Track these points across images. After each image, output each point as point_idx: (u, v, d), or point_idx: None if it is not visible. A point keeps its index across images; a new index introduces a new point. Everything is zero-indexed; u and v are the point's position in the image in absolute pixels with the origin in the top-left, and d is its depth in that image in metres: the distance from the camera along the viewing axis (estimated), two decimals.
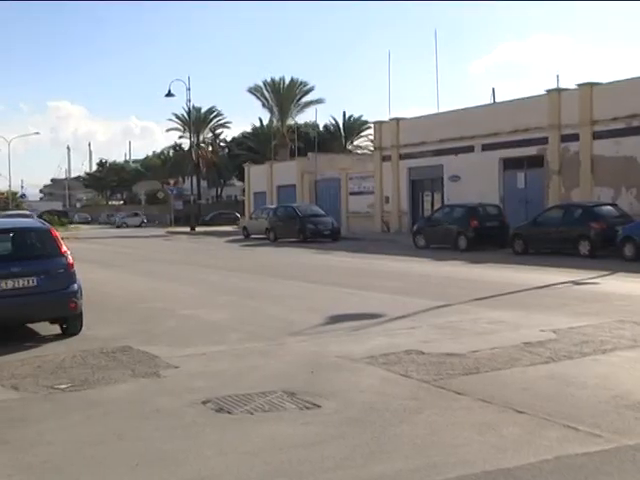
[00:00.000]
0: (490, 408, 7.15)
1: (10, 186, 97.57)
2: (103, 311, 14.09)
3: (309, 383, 8.33)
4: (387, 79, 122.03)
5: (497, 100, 42.07)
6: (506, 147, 35.16)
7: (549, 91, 33.98)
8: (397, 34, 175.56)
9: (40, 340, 11.65)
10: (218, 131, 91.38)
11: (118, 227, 76.88)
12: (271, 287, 18.06)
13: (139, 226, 76.44)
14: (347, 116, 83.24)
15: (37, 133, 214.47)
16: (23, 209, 67.03)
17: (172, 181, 74.55)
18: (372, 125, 50.43)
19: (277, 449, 6.16)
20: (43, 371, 9.33)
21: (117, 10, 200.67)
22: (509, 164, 35.53)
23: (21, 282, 11.24)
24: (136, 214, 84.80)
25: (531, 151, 34.21)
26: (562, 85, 35.93)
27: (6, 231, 12.60)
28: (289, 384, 8.25)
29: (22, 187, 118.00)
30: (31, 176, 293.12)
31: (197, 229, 56.78)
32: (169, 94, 54.88)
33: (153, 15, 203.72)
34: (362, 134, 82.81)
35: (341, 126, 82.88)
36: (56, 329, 11.97)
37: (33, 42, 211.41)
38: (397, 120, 43.29)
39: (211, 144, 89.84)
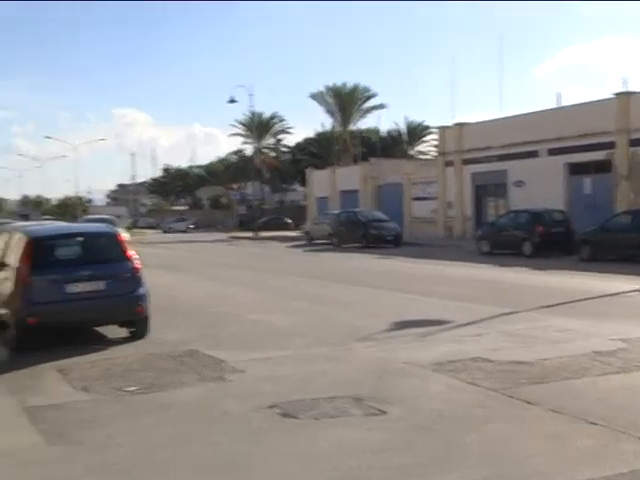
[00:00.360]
0: (561, 418, 7.00)
1: (77, 192, 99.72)
2: (170, 315, 14.23)
3: (376, 389, 8.28)
4: (450, 83, 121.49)
5: (563, 104, 41.42)
6: (572, 152, 34.62)
7: (618, 94, 33.34)
8: (461, 38, 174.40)
9: (108, 343, 11.83)
10: (280, 136, 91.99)
11: (165, 232, 77.65)
12: (336, 292, 18.04)
13: (184, 231, 77.07)
14: (409, 121, 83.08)
15: (103, 140, 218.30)
16: (89, 214, 68.20)
17: (235, 186, 75.05)
18: (435, 130, 50.10)
19: (345, 455, 6.13)
20: (112, 373, 9.47)
21: (179, 18, 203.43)
22: (575, 169, 34.98)
23: (90, 286, 11.44)
24: (182, 219, 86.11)
25: (598, 156, 33.61)
26: (630, 88, 35.28)
27: (75, 235, 12.85)
28: (356, 390, 8.21)
29: (89, 192, 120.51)
30: (98, 182, 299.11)
31: (260, 234, 56.93)
32: (232, 101, 55.28)
33: (215, 22, 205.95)
34: (424, 139, 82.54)
35: (403, 131, 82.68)
36: (124, 332, 12.14)
37: (99, 51, 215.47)
38: (461, 125, 43.04)
39: (274, 149, 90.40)
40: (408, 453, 6.15)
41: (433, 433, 6.67)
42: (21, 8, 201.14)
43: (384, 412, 7.35)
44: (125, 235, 31.42)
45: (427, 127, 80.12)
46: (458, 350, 10.27)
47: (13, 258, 11.91)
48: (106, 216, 40.75)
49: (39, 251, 11.66)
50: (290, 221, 71.21)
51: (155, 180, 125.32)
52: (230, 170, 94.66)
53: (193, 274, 24.83)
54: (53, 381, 9.28)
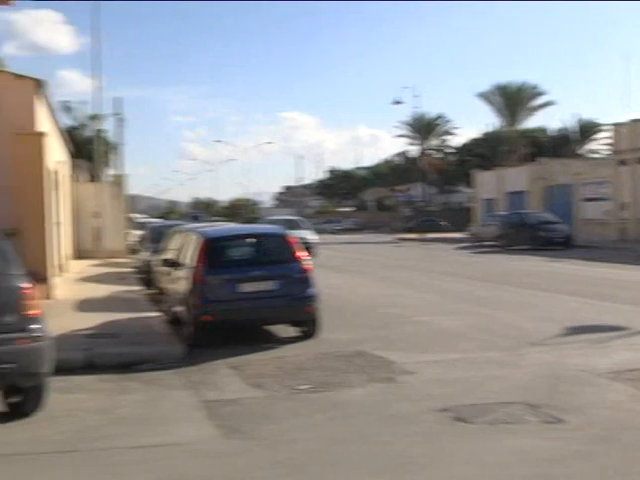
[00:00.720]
0: None
1: (245, 194, 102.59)
2: (341, 315, 14.34)
3: (551, 396, 8.02)
4: (624, 79, 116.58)
5: None
6: None
7: None
8: (634, 32, 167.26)
9: (279, 342, 12.06)
10: (445, 137, 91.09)
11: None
12: (505, 295, 17.64)
13: (333, 233, 78.07)
14: (579, 119, 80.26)
15: (270, 142, 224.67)
16: (257, 216, 70.01)
17: (403, 188, 74.94)
18: (606, 128, 48.15)
19: (525, 462, 5.96)
20: (284, 372, 9.65)
21: (345, 20, 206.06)
22: None
23: (262, 286, 11.69)
24: (330, 221, 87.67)
25: None
26: None
27: (247, 236, 13.19)
28: (529, 396, 7.99)
29: (255, 194, 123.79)
30: (265, 184, 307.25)
31: (426, 235, 56.37)
32: (396, 102, 55.35)
33: (381, 23, 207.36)
34: (595, 137, 79.45)
35: (574, 129, 79.97)
36: (293, 331, 12.35)
37: (269, 58, 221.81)
38: (636, 121, 41.09)
39: (439, 150, 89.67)
40: (588, 464, 5.91)
41: (615, 444, 6.39)
42: (192, 17, 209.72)
43: (561, 420, 7.11)
44: (314, 237, 32.18)
45: (598, 124, 77.07)
46: (637, 358, 9.82)
47: (189, 258, 12.37)
48: (291, 217, 41.09)
49: (214, 251, 12.03)
50: (445, 223, 70.08)
51: (321, 182, 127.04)
52: (395, 172, 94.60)
53: (361, 275, 24.95)
54: (227, 377, 9.55)
